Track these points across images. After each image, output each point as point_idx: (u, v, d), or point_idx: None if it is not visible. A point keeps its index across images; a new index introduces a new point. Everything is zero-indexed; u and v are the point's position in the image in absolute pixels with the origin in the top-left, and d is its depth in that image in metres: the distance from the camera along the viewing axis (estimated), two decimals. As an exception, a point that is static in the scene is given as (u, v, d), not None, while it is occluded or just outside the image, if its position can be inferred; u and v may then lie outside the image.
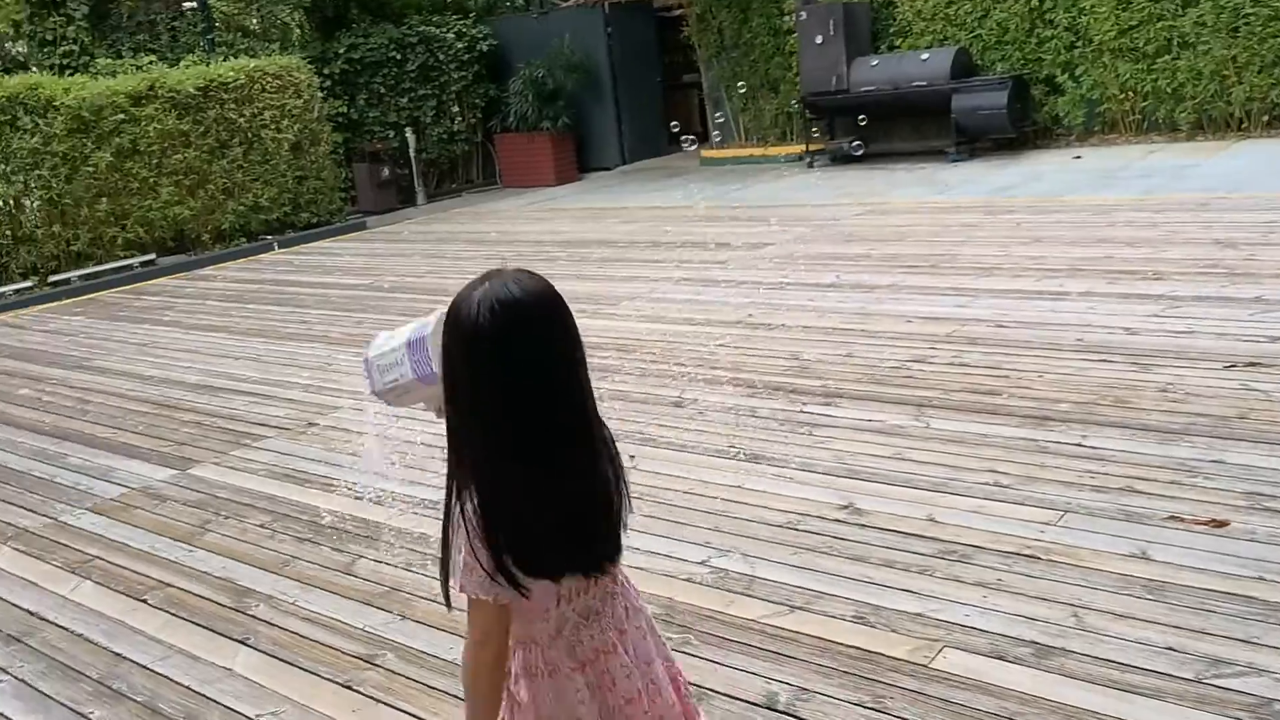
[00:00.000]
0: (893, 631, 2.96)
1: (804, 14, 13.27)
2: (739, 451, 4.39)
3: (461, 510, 1.59)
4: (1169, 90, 11.50)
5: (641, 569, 3.48)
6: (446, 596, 1.66)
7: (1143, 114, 11.83)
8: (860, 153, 12.73)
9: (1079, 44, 11.92)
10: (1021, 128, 11.99)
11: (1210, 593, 2.94)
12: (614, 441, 1.69)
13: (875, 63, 12.84)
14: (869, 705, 2.65)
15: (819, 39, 13.05)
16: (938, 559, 3.32)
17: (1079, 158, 11.24)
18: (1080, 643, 2.79)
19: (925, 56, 12.44)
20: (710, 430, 4.67)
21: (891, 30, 13.41)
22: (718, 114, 15.17)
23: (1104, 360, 4.88)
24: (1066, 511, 3.51)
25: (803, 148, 13.75)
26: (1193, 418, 4.11)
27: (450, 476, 1.63)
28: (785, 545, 3.55)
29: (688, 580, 3.40)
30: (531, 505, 1.58)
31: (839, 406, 4.75)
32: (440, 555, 1.64)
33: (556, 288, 1.61)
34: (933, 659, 2.81)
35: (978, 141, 12.39)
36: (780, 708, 2.69)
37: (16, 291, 10.55)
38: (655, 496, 4.04)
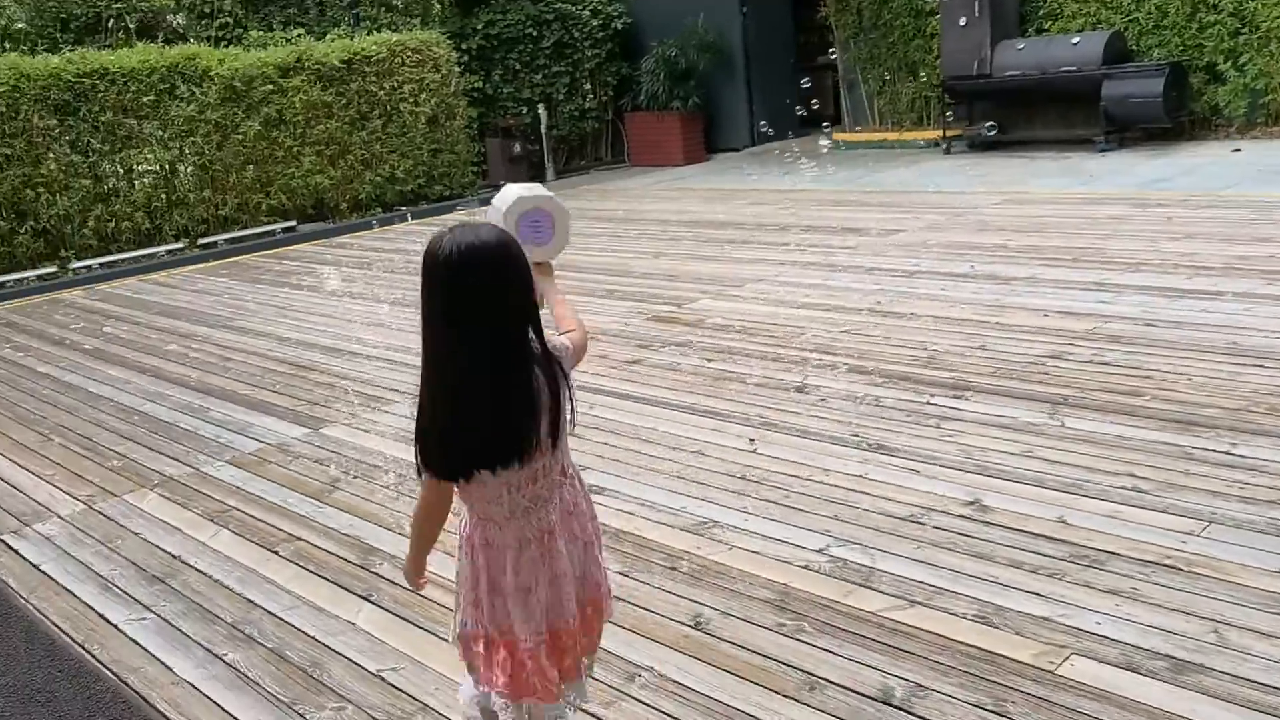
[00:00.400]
0: (1017, 634, 2.86)
1: (948, -5, 12.88)
2: (862, 441, 4.30)
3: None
4: (1343, 81, 10.76)
5: (757, 554, 3.47)
6: (418, 470, 2.10)
7: (1312, 106, 11.10)
8: (993, 133, 12.34)
9: (1244, 30, 11.23)
10: (1177, 117, 11.39)
11: (1369, 618, 2.75)
12: (558, 369, 2.06)
13: (1021, 46, 12.37)
14: (989, 708, 2.57)
15: (962, 21, 12.65)
16: (1068, 563, 3.20)
17: (1238, 150, 10.62)
18: (1221, 660, 2.65)
19: (1076, 40, 11.92)
20: (832, 418, 4.59)
21: (1041, 13, 12.89)
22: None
23: (1259, 365, 4.61)
24: (1211, 522, 3.33)
25: (940, 133, 13.38)
26: (1356, 430, 3.85)
27: (422, 383, 2.04)
28: (907, 539, 3.47)
29: (805, 568, 3.35)
30: (459, 413, 1.99)
31: (968, 400, 4.61)
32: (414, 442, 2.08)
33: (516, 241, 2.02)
34: (1059, 665, 2.70)
35: (1128, 131, 11.83)
36: (896, 703, 2.63)
37: (169, 252, 11.10)
38: (774, 482, 4.00)
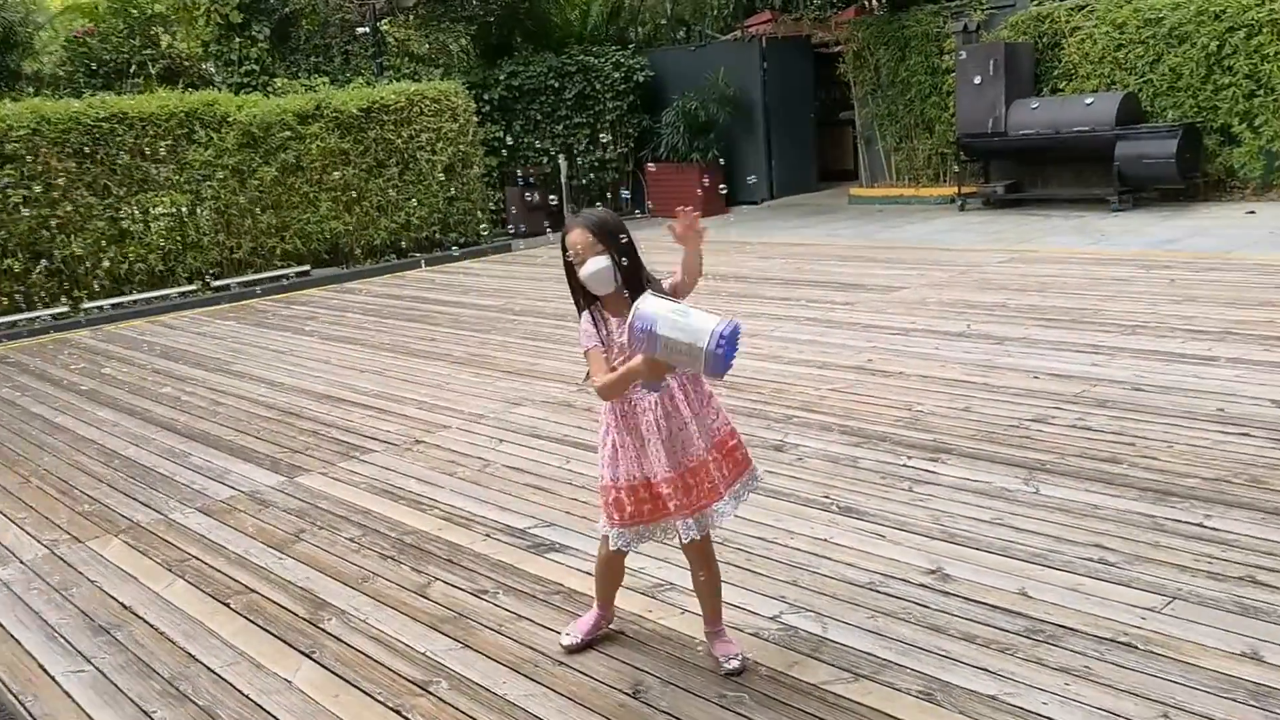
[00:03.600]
0: (960, 713, 2.76)
1: (964, 54, 12.92)
2: (832, 503, 4.22)
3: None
4: (1361, 144, 10.64)
5: (707, 618, 3.38)
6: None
7: (1330, 169, 10.98)
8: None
9: (1259, 92, 11.16)
10: (1191, 179, 11.32)
11: (1327, 707, 2.63)
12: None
13: (1035, 105, 12.36)
14: (919, 792, 2.47)
15: (977, 79, 12.67)
16: (1023, 637, 3.10)
17: (1252, 213, 10.51)
18: (1166, 748, 2.54)
19: (1090, 101, 11.90)
20: (807, 478, 4.52)
21: (1056, 73, 12.89)
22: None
23: (1244, 434, 4.49)
24: (1175, 598, 3.22)
25: (955, 189, 13.35)
26: (1336, 506, 3.73)
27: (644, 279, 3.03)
28: (863, 607, 3.38)
29: (754, 635, 3.26)
30: None
31: (945, 463, 4.52)
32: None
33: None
34: (998, 748, 2.60)
35: (1142, 191, 11.76)
36: (824, 784, 2.54)
37: (181, 294, 11.21)
38: (737, 544, 3.92)
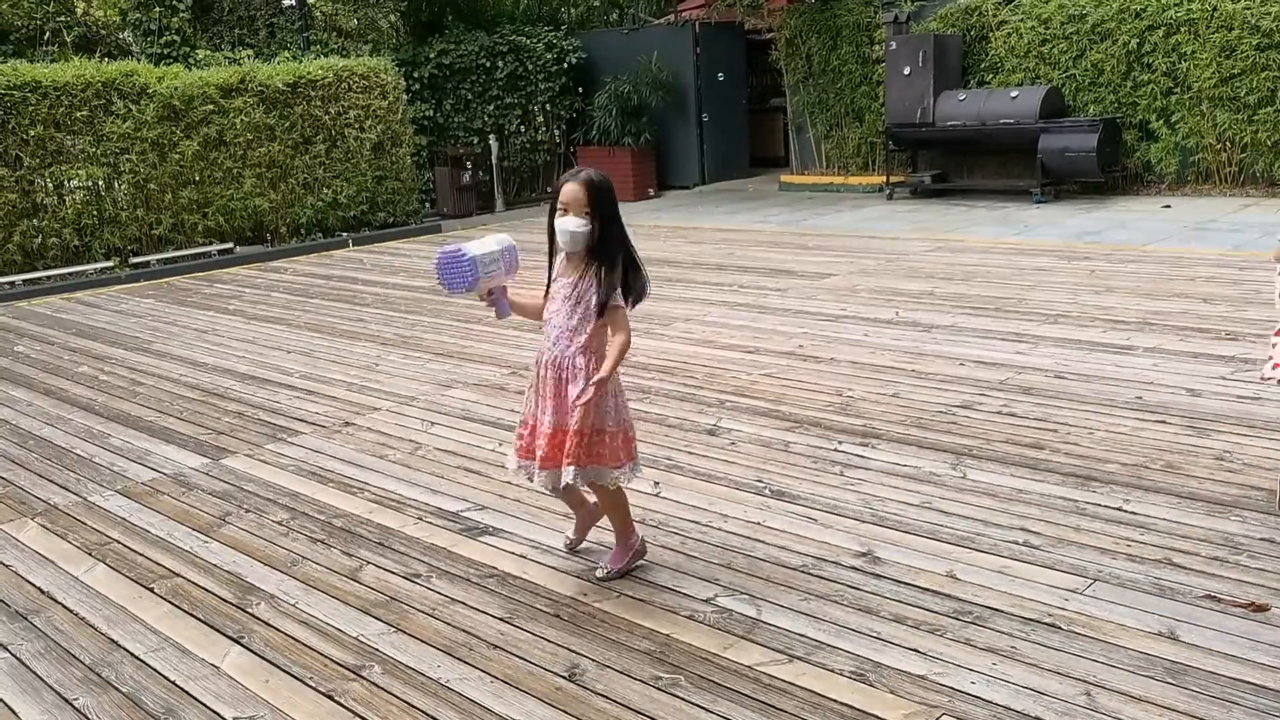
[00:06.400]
0: (891, 693, 2.81)
1: (894, 44, 13.09)
2: (765, 487, 4.26)
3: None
4: (1269, 143, 11.04)
5: (644, 602, 3.40)
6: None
7: (1240, 166, 11.38)
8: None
9: (1176, 90, 11.53)
10: (1110, 172, 11.64)
11: (1238, 682, 2.74)
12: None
13: (962, 97, 12.59)
14: (852, 770, 2.52)
15: (907, 70, 12.86)
16: (951, 619, 3.16)
17: (1168, 207, 10.85)
18: (1088, 725, 2.62)
19: (1015, 94, 12.15)
20: (740, 462, 4.55)
21: (983, 65, 13.14)
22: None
23: (1161, 421, 4.64)
24: (1096, 580, 3.32)
25: (883, 178, 13.54)
26: (1246, 490, 3.87)
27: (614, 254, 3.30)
28: (795, 590, 3.42)
29: (689, 618, 3.28)
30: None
31: (875, 448, 4.59)
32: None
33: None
34: (927, 727, 2.65)
35: (1064, 184, 12.07)
36: (759, 763, 2.57)
37: (99, 271, 10.86)
38: (671, 527, 3.94)
